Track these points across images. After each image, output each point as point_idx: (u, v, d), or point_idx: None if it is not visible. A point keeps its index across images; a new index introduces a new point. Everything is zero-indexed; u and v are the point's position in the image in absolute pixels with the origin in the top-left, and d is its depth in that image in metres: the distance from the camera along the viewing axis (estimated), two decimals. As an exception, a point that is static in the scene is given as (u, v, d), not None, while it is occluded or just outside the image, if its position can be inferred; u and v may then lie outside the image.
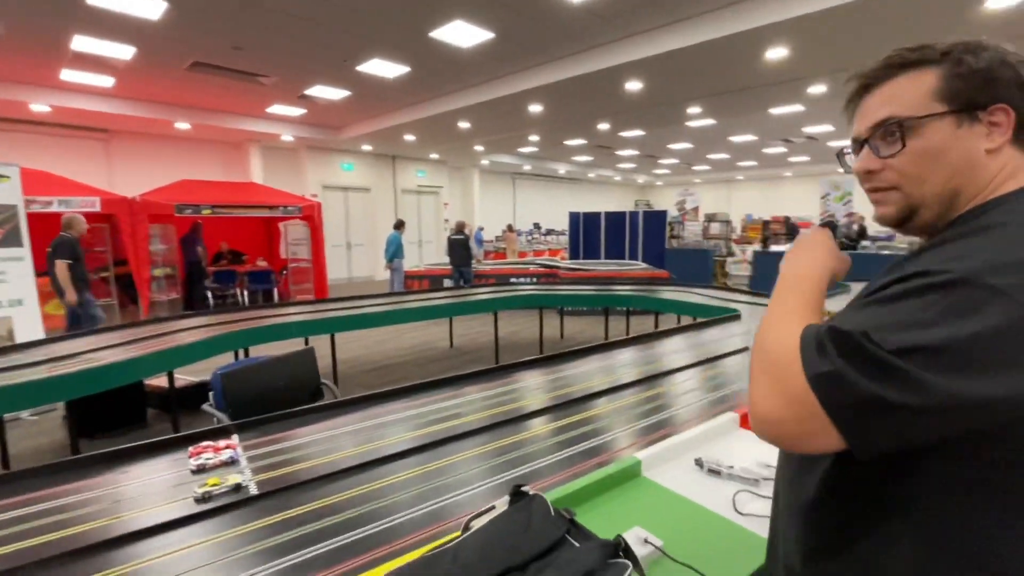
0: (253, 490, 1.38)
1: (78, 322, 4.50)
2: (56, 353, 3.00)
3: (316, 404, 1.98)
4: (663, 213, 10.51)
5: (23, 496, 1.37)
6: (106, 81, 7.24)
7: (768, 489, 1.31)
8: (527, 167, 17.33)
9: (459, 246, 7.80)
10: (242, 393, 2.24)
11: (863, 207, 12.90)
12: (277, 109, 9.11)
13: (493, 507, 1.00)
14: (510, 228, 14.85)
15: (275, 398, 2.36)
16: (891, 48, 0.66)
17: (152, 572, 1.05)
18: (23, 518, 1.27)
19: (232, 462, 1.55)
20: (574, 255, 10.46)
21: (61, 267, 4.28)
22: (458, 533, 1.04)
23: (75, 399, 2.87)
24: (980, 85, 0.60)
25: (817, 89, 7.27)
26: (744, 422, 1.75)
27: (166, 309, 7.74)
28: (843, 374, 0.50)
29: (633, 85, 6.93)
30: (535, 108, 8.27)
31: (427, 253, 14.52)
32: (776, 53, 5.59)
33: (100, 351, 2.99)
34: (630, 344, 2.98)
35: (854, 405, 0.50)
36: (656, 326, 5.97)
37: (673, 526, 1.15)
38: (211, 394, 2.35)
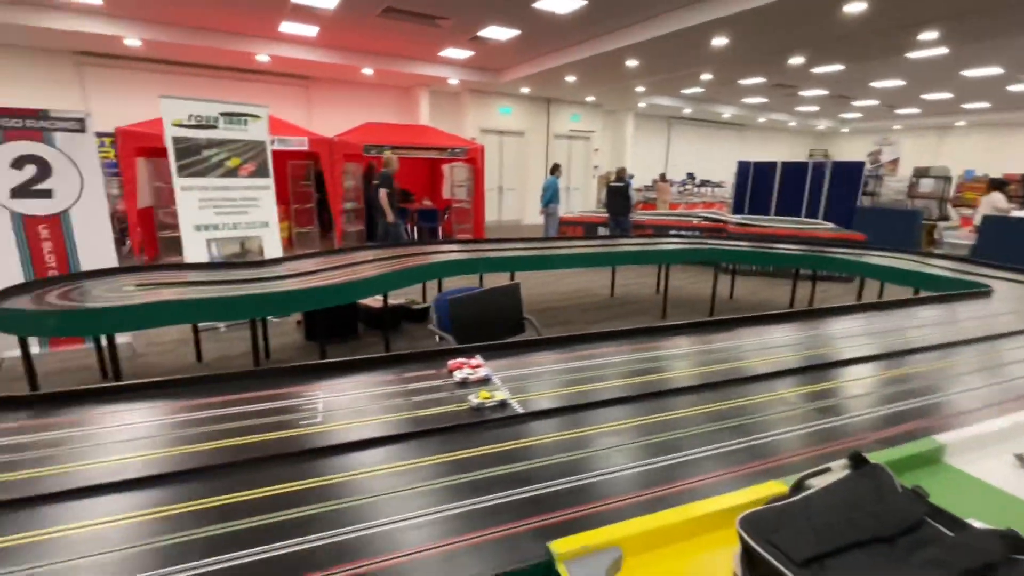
0: (517, 408, 1.49)
1: (387, 236, 6.28)
2: (295, 270, 3.56)
3: (555, 336, 2.06)
4: (858, 165, 8.94)
5: (302, 386, 1.65)
6: (311, 31, 8.08)
7: None
8: (687, 110, 15.91)
9: (618, 194, 7.54)
10: (464, 318, 2.44)
11: None
12: (448, 53, 9.42)
13: (829, 468, 0.93)
14: (663, 177, 13.98)
15: (489, 325, 2.54)
16: None
17: (438, 467, 1.20)
18: (313, 406, 1.53)
19: (487, 380, 1.69)
20: (738, 209, 9.51)
21: (383, 195, 6.04)
22: (777, 485, 1.01)
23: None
24: None
25: None
26: (1065, 421, 1.43)
27: (353, 239, 8.83)
28: None
29: (854, 6, 5.77)
30: (719, 41, 7.38)
31: (574, 200, 14.39)
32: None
33: (324, 271, 3.47)
34: (859, 311, 2.62)
35: None
36: (859, 296, 5.24)
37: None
38: (434, 316, 2.60)
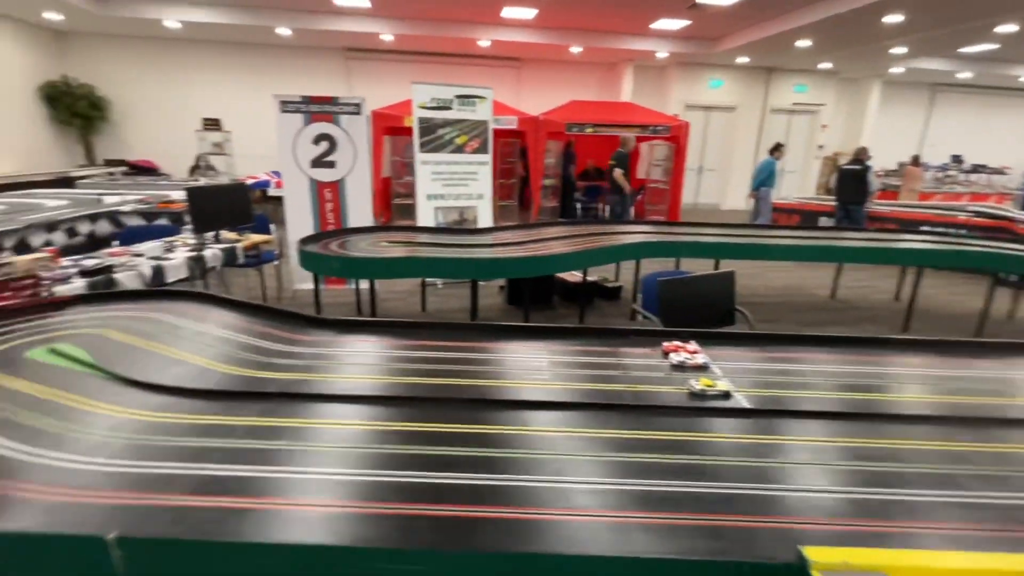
0: (743, 402, 1.42)
1: (619, 213, 7.26)
2: (502, 239, 3.87)
3: (780, 333, 1.90)
4: None
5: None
6: (530, 13, 8.48)
7: None
8: (963, 74, 12.46)
9: (853, 179, 6.36)
10: (673, 301, 2.38)
11: None
12: (661, 24, 8.97)
13: None
14: (915, 161, 11.33)
15: (697, 312, 2.44)
16: None
17: (652, 443, 1.19)
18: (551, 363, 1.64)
19: (705, 368, 1.64)
20: (1033, 204, 7.23)
21: (618, 173, 6.91)
22: None
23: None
24: None
25: None
26: None
27: (547, 215, 9.24)
28: None
29: None
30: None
31: (788, 184, 12.64)
32: None
33: (526, 243, 3.69)
34: None
35: None
36: None
37: None
38: (640, 296, 2.60)
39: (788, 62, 11.32)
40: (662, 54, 10.50)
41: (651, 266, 4.56)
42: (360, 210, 4.48)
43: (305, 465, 1.08)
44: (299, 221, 4.36)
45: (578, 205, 9.41)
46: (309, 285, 3.89)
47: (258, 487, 1.00)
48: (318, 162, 4.27)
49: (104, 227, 4.36)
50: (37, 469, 1.05)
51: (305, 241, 3.35)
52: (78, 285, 2.36)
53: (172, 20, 8.61)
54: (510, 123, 8.20)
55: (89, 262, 2.70)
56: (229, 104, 10.43)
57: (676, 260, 4.54)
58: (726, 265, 3.67)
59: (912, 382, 1.63)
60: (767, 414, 1.37)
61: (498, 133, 8.57)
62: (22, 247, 3.47)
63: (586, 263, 3.56)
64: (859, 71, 12.27)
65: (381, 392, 1.41)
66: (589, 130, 8.54)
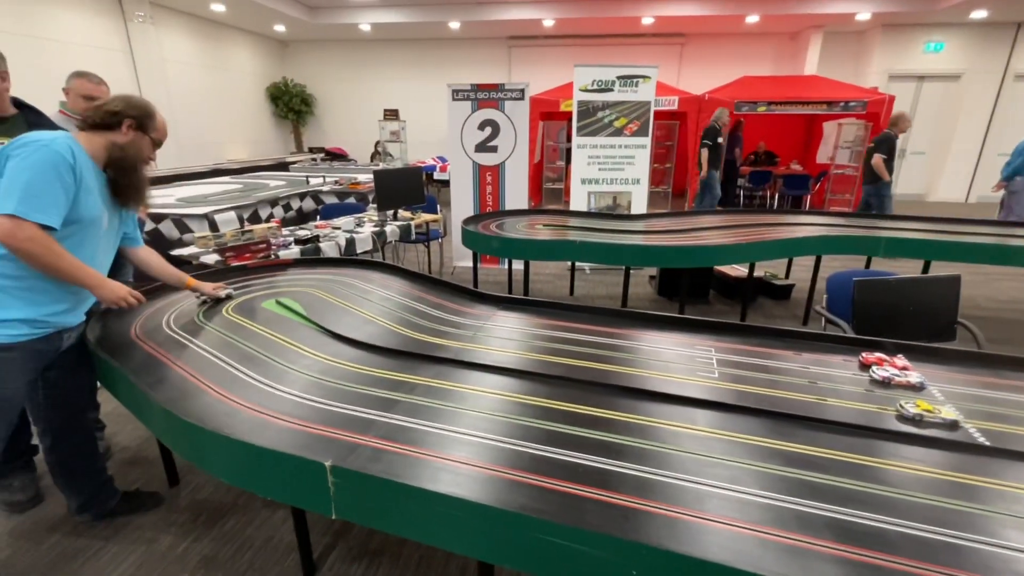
0: (978, 437, 1.15)
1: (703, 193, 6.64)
2: (654, 227, 3.66)
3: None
4: None
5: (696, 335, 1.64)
6: (701, -17, 7.82)
7: None
8: None
9: None
10: (871, 306, 2.03)
11: None
12: (866, -21, 7.59)
13: None
14: None
15: (903, 322, 2.05)
16: None
17: (853, 469, 1.00)
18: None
19: (921, 388, 1.36)
20: None
21: (704, 152, 6.37)
22: None
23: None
24: None
25: None
26: None
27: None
28: None
29: None
30: None
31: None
32: None
33: (679, 232, 3.43)
34: None
35: None
36: None
37: None
38: (824, 297, 2.27)
39: (1051, 12, 8.77)
40: (863, 15, 8.89)
41: (832, 264, 3.98)
42: (517, 193, 4.63)
43: (474, 429, 1.15)
44: (462, 203, 4.67)
45: (740, 192, 8.56)
46: (468, 263, 4.15)
47: (435, 441, 1.10)
48: (482, 147, 4.51)
49: (309, 204, 5.17)
50: (272, 398, 1.29)
51: (467, 221, 3.58)
52: (294, 251, 2.83)
53: (365, 23, 9.77)
54: (670, 103, 7.73)
55: (302, 232, 3.23)
56: (405, 96, 11.56)
57: (867, 259, 3.87)
58: (937, 268, 3.01)
59: None
60: (1009, 455, 1.09)
61: (656, 115, 8.17)
62: (254, 218, 4.27)
63: (751, 256, 3.21)
64: None
65: (539, 369, 1.44)
66: (762, 108, 7.67)
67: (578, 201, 4.75)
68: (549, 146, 8.82)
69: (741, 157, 8.57)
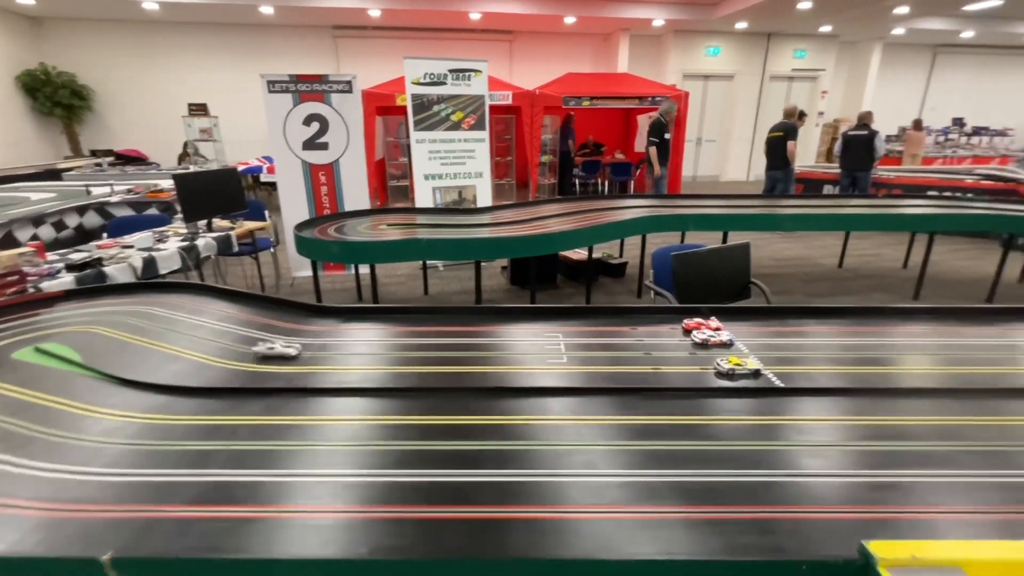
0: (775, 380, 1.34)
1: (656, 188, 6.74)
2: (501, 219, 3.75)
3: (805, 306, 1.83)
4: None
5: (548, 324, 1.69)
6: (521, -18, 8.18)
7: None
8: (967, 34, 12.16)
9: (859, 145, 6.21)
10: (688, 276, 2.29)
11: None
12: (657, -11, 8.68)
13: None
14: (917, 125, 11.13)
15: (712, 287, 2.35)
16: None
17: (680, 429, 1.12)
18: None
19: (730, 345, 1.56)
20: (1039, 165, 7.10)
21: (652, 150, 6.42)
22: None
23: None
24: None
25: None
26: None
27: (545, 192, 9.08)
28: None
29: None
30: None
31: (787, 154, 12.44)
32: None
33: (526, 221, 3.58)
34: None
35: None
36: None
37: None
38: (651, 272, 2.50)
39: (788, 26, 11.02)
40: (658, 22, 10.20)
41: (655, 241, 4.47)
42: (356, 193, 4.34)
43: (314, 467, 1.00)
44: (294, 206, 4.23)
45: (576, 181, 9.25)
46: (308, 272, 3.79)
47: (265, 493, 0.92)
48: (310, 144, 4.12)
49: (93, 219, 4.23)
50: (26, 482, 0.97)
51: (301, 227, 3.24)
52: (66, 280, 2.26)
53: (149, 1, 8.28)
54: (504, 98, 7.99)
55: (76, 256, 2.59)
56: (215, 89, 10.14)
57: (681, 234, 4.44)
58: (734, 237, 3.58)
59: (943, 351, 1.55)
60: (800, 392, 1.29)
61: (493, 109, 8.37)
62: (8, 242, 3.35)
63: (591, 240, 3.46)
64: (860, 33, 11.98)
65: (390, 383, 1.33)
66: (586, 103, 8.33)
67: (424, 197, 4.64)
68: (390, 142, 8.50)
69: (574, 148, 9.25)
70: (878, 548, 0.76)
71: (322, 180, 4.22)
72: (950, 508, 0.89)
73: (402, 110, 7.94)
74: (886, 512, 0.88)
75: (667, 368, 1.42)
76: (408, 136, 4.53)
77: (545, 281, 4.41)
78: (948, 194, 5.82)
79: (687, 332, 1.65)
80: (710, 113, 12.19)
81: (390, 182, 8.55)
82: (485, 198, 4.88)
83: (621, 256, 4.86)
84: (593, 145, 10.05)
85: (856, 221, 4.08)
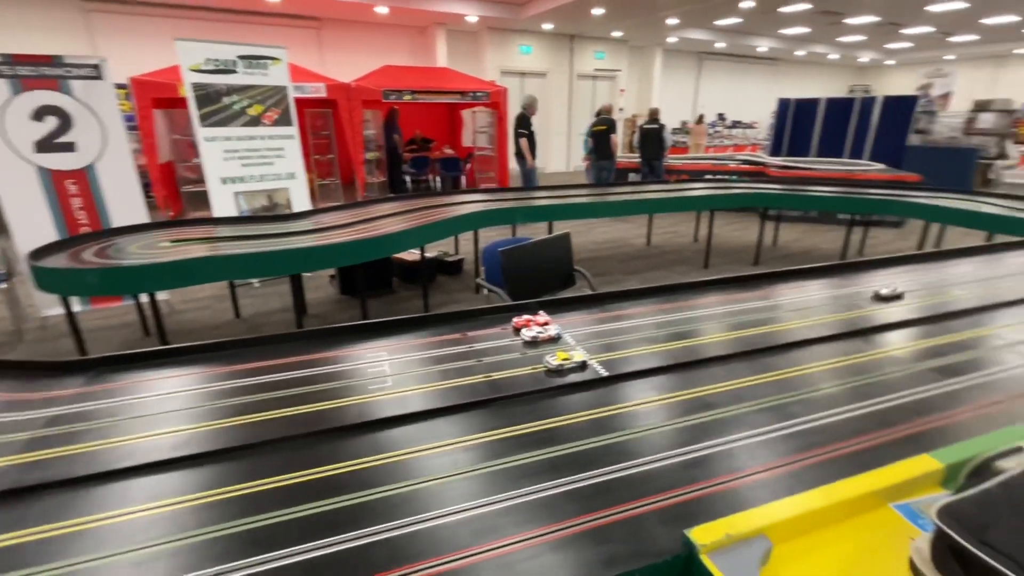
0: (600, 370, 1.37)
1: (527, 181, 6.61)
2: (325, 223, 3.42)
3: (624, 289, 1.92)
4: (910, 100, 8.26)
5: (379, 342, 1.54)
6: (322, -35, 7.55)
7: None
8: (720, 44, 14.84)
9: (652, 137, 7.13)
10: (516, 271, 2.29)
11: None
12: (466, -15, 8.79)
13: (1021, 448, 0.79)
14: (700, 119, 13.27)
15: (540, 279, 2.40)
16: None
17: (521, 440, 1.08)
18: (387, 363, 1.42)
19: (558, 339, 1.56)
20: (776, 151, 8.98)
21: (523, 142, 6.52)
22: (930, 461, 0.88)
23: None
24: None
25: None
26: None
27: (375, 190, 8.63)
28: None
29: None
30: (767, -39, 6.69)
31: (598, 146, 13.82)
32: None
33: (355, 224, 3.32)
34: (950, 258, 2.40)
35: None
36: (932, 245, 4.90)
37: None
38: (483, 269, 2.46)
39: (587, 30, 12.15)
40: (472, 18, 10.37)
41: (490, 236, 4.51)
42: (128, 204, 3.51)
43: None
44: (30, 226, 3.23)
45: (407, 178, 8.98)
46: (60, 310, 2.94)
47: None
48: (47, 145, 3.18)
49: None
50: None
51: (40, 253, 2.48)
52: None
53: None
54: (317, 91, 7.33)
55: None
56: None
57: (512, 227, 4.55)
58: (559, 227, 3.77)
59: (729, 318, 1.76)
60: (620, 379, 1.33)
61: (305, 103, 7.63)
62: None
63: (423, 239, 3.32)
64: (644, 39, 13.77)
65: (196, 448, 1.03)
66: (408, 97, 8.09)
67: (224, 205, 3.98)
68: (177, 141, 7.19)
69: (402, 144, 8.95)
70: (698, 535, 0.77)
71: (72, 190, 3.31)
72: (751, 471, 0.96)
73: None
74: (702, 489, 0.92)
75: (500, 374, 1.35)
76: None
77: (380, 287, 4.15)
78: (720, 177, 7.00)
79: (517, 331, 1.62)
80: (529, 108, 12.90)
81: (184, 188, 7.26)
82: (302, 201, 4.39)
83: (456, 253, 4.81)
84: (421, 140, 9.87)
85: (657, 204, 4.63)
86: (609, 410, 1.19)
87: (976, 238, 3.35)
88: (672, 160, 8.03)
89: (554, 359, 1.38)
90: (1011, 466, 0.75)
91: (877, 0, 9.69)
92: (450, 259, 4.54)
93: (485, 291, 2.45)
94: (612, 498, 0.89)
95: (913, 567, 0.72)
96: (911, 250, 4.10)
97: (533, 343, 1.53)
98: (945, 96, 12.64)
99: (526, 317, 1.68)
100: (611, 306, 1.85)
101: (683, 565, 0.77)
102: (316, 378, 1.33)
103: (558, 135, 13.27)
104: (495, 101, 8.82)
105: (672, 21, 11.20)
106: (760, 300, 1.88)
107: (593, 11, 9.78)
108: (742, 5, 9.69)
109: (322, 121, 8.17)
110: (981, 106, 8.88)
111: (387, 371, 1.37)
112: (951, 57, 17.24)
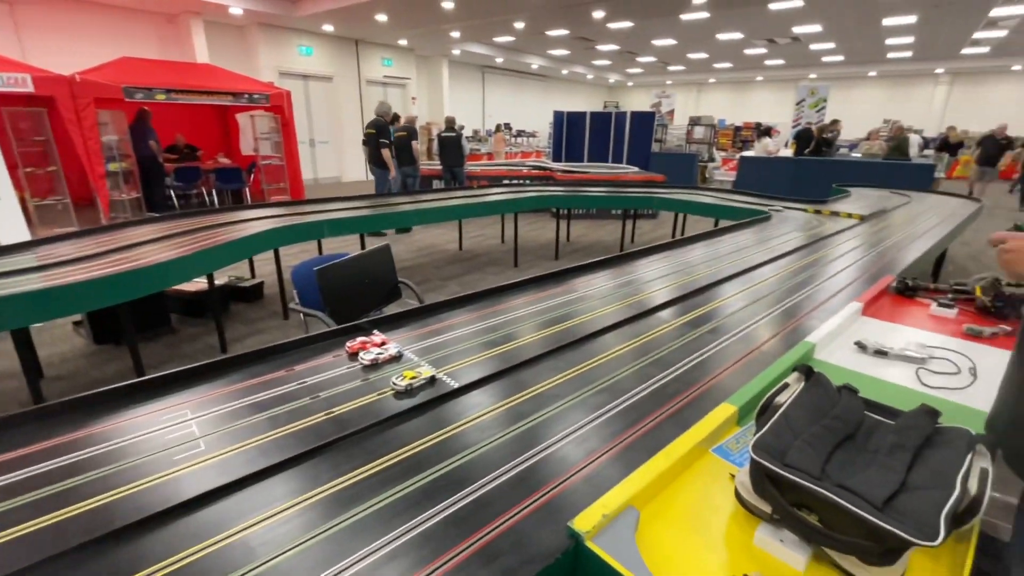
0: (450, 382, 1.34)
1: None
2: (56, 256, 2.67)
3: (455, 297, 1.90)
4: (651, 115, 10.21)
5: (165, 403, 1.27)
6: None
7: (938, 366, 1.43)
8: (499, 59, 16.09)
9: (452, 145, 7.34)
10: (337, 290, 2.11)
11: (836, 114, 13.07)
12: (225, -27, 7.76)
13: (787, 384, 1.02)
14: (499, 128, 14.13)
15: (363, 296, 2.26)
16: None
17: (385, 474, 1.02)
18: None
19: (400, 357, 1.49)
20: (556, 157, 10.16)
21: (385, 152, 6.32)
22: (728, 407, 1.08)
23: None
24: None
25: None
26: (866, 310, 1.86)
27: (127, 209, 6.99)
28: None
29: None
30: (532, -12, 7.48)
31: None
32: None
33: (100, 256, 2.68)
34: (694, 242, 3.01)
35: None
36: (679, 231, 6.02)
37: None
38: (295, 293, 2.21)
39: (372, 35, 11.87)
40: (236, 10, 9.19)
41: (292, 253, 4.08)
42: None
43: None
44: None
45: (171, 193, 7.54)
46: None
47: None
48: None
49: None
50: None
51: None
52: None
53: None
54: (19, 83, 5.62)
55: None
56: None
57: (318, 243, 4.19)
58: (369, 240, 3.61)
59: (545, 314, 1.91)
60: (472, 387, 1.33)
61: (2, 100, 5.78)
62: None
63: (209, 265, 2.81)
64: (430, 50, 14.09)
65: None
66: (161, 96, 6.79)
67: None
68: None
69: (159, 152, 7.45)
70: (580, 523, 0.81)
71: None
72: (603, 450, 1.06)
73: None
74: (570, 478, 0.97)
75: (344, 408, 1.22)
76: None
77: (155, 326, 3.39)
78: (516, 182, 7.59)
79: (353, 355, 1.49)
80: (317, 114, 12.05)
81: None
82: (17, 230, 3.31)
83: (253, 276, 4.23)
84: (185, 148, 8.39)
85: (468, 210, 4.78)
86: (469, 420, 1.17)
87: (707, 223, 4.31)
88: (473, 167, 8.41)
89: (401, 379, 1.30)
90: (784, 399, 0.97)
91: (618, 31, 11.68)
92: (246, 284, 3.95)
93: (301, 316, 2.19)
94: (492, 510, 0.88)
95: (739, 497, 0.87)
96: (667, 237, 5.04)
97: (374, 366, 1.43)
98: (671, 112, 15.96)
99: (360, 339, 1.56)
100: (443, 316, 1.84)
101: (572, 557, 0.80)
102: (90, 463, 1.01)
103: (353, 143, 12.72)
104: (277, 105, 7.99)
105: (455, 34, 11.70)
106: (568, 294, 2.09)
107: (376, 16, 9.60)
108: (516, 25, 10.65)
109: (32, 124, 6.28)
110: (694, 121, 11.48)
111: (196, 432, 1.12)
112: (670, 82, 21.83)
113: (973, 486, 0.77)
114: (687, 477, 0.97)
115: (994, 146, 8.70)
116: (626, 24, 10.75)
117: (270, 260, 3.84)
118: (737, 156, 9.13)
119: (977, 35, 11.20)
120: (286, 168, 8.31)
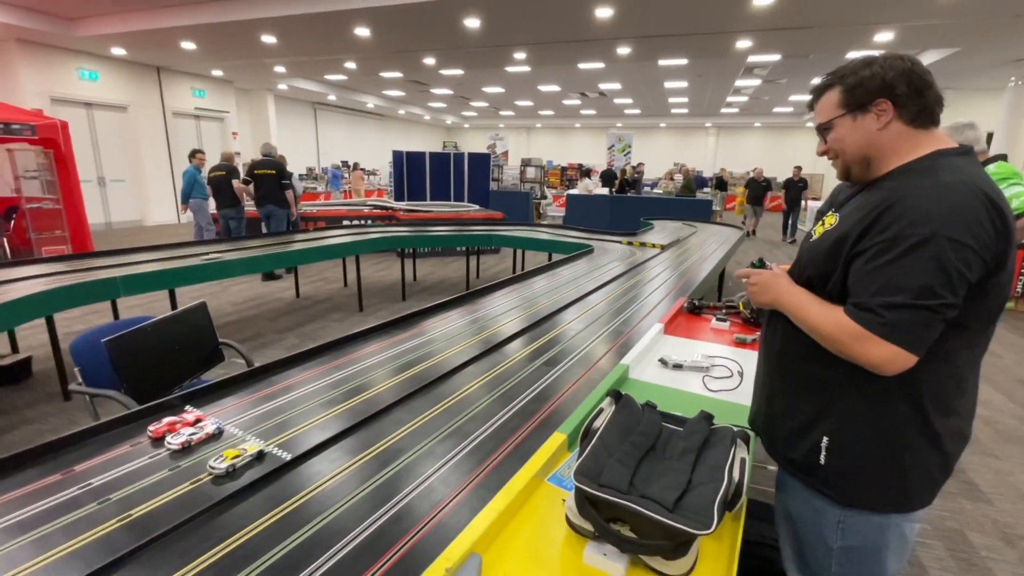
0: (282, 455, 1.23)
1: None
2: None
3: (279, 359, 1.75)
4: (487, 156, 10.83)
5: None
6: None
7: (717, 372, 1.75)
8: (332, 97, 15.64)
9: (266, 181, 6.79)
10: (135, 363, 1.80)
11: (640, 158, 15.41)
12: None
13: (602, 409, 1.15)
14: (356, 167, 13.53)
15: (173, 366, 1.98)
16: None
17: (227, 565, 0.92)
18: None
19: (219, 434, 1.32)
20: (399, 196, 10.15)
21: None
22: (559, 436, 1.19)
23: None
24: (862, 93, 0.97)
25: (623, 50, 8.28)
26: (667, 329, 2.20)
27: None
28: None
29: (471, 22, 6.83)
30: (362, 32, 7.49)
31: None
32: (604, 12, 6.18)
33: None
34: (534, 275, 3.25)
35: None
36: (519, 266, 6.37)
37: (673, 408, 1.38)
38: (77, 371, 1.82)
39: (177, 64, 10.64)
40: (-16, 23, 7.50)
41: (74, 317, 3.41)
42: None
43: None
44: None
45: None
46: None
47: None
48: None
49: None
50: None
51: None
52: None
53: None
54: None
55: None
56: None
57: (112, 303, 3.53)
58: (183, 295, 3.16)
59: (396, 359, 1.89)
60: (309, 455, 1.24)
61: None
62: None
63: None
64: (251, 83, 13.11)
65: None
66: None
67: None
68: None
69: None
70: (429, 581, 0.81)
71: None
72: (450, 497, 1.07)
73: None
74: (416, 534, 0.96)
75: (144, 508, 1.04)
76: None
77: None
78: (356, 223, 7.35)
79: (159, 440, 1.28)
80: (108, 148, 10.28)
81: None
82: None
83: (16, 351, 3.37)
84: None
85: (304, 255, 4.46)
86: (314, 488, 1.09)
87: (543, 257, 4.70)
88: (309, 207, 7.93)
89: (221, 461, 1.16)
90: (600, 424, 1.09)
91: (450, 77, 12.27)
92: (6, 362, 3.12)
93: (88, 400, 1.81)
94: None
95: (568, 520, 0.96)
96: (508, 272, 5.34)
97: (186, 450, 1.25)
98: (505, 153, 17.14)
99: (168, 420, 1.35)
100: (277, 377, 1.69)
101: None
102: None
103: (158, 181, 11.09)
104: (48, 137, 6.61)
105: (279, 69, 11.09)
106: (417, 337, 2.09)
107: (182, 44, 8.65)
108: (347, 65, 10.51)
109: None
110: (526, 162, 12.50)
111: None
112: (503, 125, 23.51)
113: (736, 474, 0.96)
114: (527, 510, 1.03)
115: (757, 188, 11.02)
116: (457, 71, 11.36)
117: (38, 329, 3.11)
118: (565, 194, 10.21)
119: (729, 99, 14.32)
120: (64, 212, 6.86)
